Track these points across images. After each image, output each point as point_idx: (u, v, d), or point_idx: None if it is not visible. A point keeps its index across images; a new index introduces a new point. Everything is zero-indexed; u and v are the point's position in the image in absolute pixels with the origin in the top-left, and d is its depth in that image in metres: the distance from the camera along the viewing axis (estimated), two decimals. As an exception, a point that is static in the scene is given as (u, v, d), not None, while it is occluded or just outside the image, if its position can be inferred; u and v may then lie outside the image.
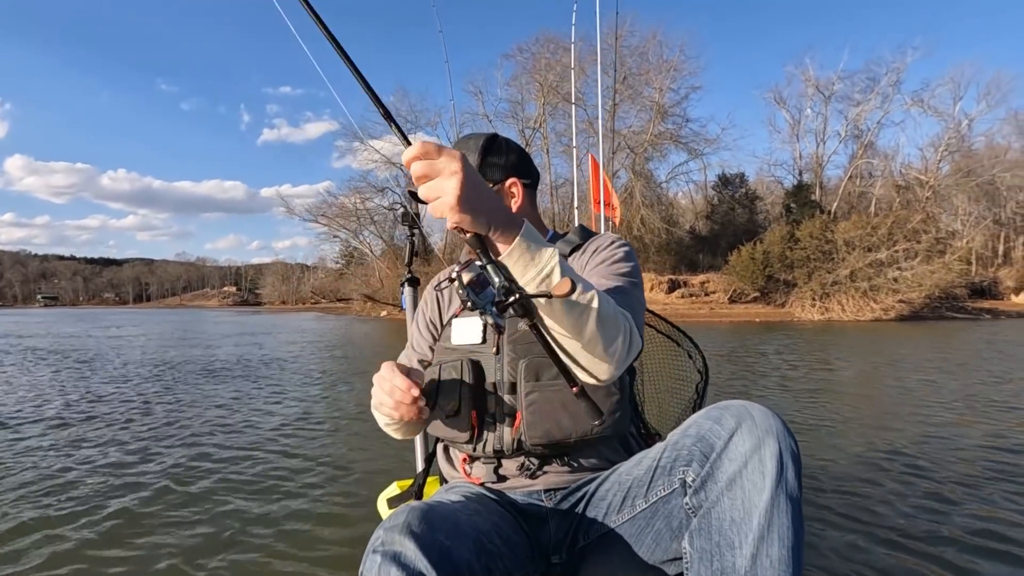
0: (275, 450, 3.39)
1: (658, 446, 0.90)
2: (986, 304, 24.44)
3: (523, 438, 1.00)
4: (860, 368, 7.22)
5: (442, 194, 0.66)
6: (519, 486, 1.03)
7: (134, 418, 4.32)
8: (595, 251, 1.13)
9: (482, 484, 1.05)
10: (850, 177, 30.45)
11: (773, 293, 23.30)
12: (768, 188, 34.35)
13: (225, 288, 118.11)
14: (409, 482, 1.24)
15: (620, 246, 1.12)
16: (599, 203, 5.00)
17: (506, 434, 1.02)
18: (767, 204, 32.87)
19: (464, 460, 1.09)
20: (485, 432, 1.03)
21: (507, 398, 1.03)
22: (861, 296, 20.45)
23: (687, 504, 0.80)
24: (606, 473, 1.00)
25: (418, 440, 1.45)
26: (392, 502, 1.23)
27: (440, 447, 1.18)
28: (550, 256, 0.72)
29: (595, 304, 0.76)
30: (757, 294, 23.75)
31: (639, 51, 27.32)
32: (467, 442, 1.04)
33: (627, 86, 27.50)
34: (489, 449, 1.03)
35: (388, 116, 0.73)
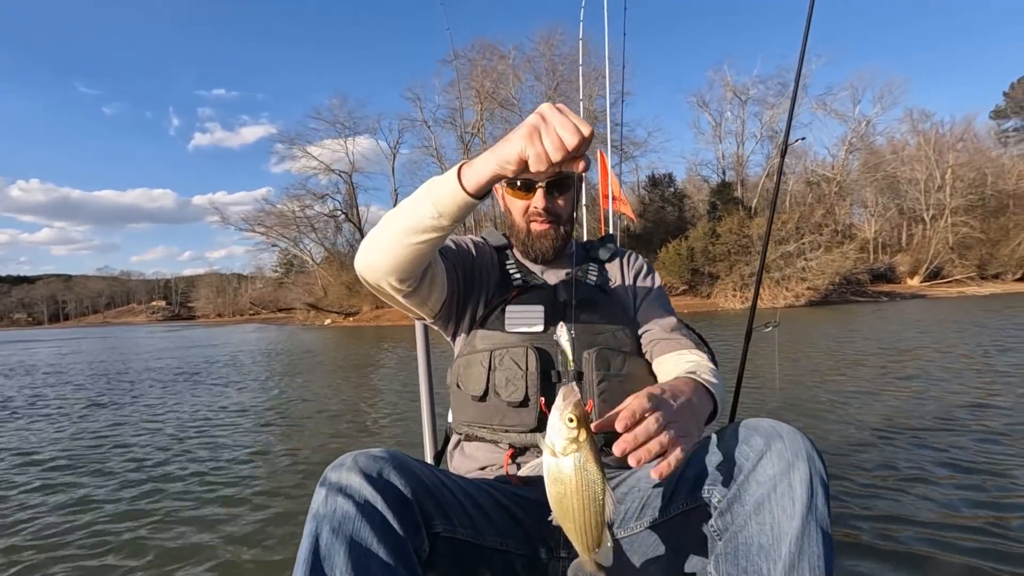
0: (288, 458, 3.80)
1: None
2: (885, 287, 27.19)
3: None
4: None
5: (682, 451, 0.69)
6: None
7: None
8: (638, 274, 1.26)
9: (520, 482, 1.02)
10: (768, 175, 32.85)
11: (699, 285, 25.04)
12: (696, 186, 36.46)
13: (154, 302, 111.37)
14: None
15: (655, 274, 1.28)
16: (607, 198, 5.19)
17: None
18: (695, 202, 34.89)
19: (510, 454, 1.04)
20: None
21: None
22: (775, 285, 22.41)
23: (712, 526, 0.78)
24: (623, 475, 0.99)
25: (427, 439, 1.44)
26: None
27: (455, 443, 1.15)
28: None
29: (718, 392, 0.92)
30: (685, 287, 25.43)
31: (570, 59, 28.55)
32: (532, 430, 1.02)
33: (559, 93, 28.65)
34: None
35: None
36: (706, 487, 0.80)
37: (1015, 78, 42.51)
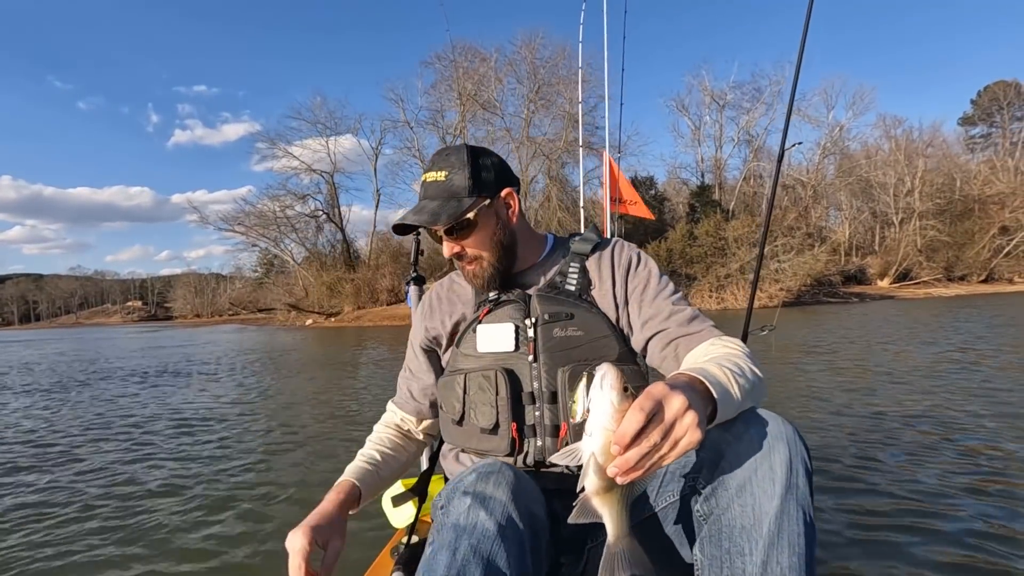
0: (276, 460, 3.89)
1: None
2: (856, 289, 27.95)
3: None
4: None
5: (686, 436, 0.63)
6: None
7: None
8: (628, 267, 1.10)
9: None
10: (745, 178, 33.54)
11: (677, 287, 25.46)
12: (676, 189, 37.01)
13: (129, 303, 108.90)
14: (414, 480, 1.26)
15: (648, 263, 1.12)
16: (614, 200, 5.18)
17: (550, 444, 0.99)
18: (675, 204, 35.43)
19: None
20: (527, 443, 1.00)
21: (548, 408, 1.00)
22: (749, 286, 22.96)
23: (698, 511, 0.79)
24: None
25: None
26: (396, 500, 1.22)
27: (447, 448, 1.16)
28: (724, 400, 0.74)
29: (743, 382, 0.79)
30: (664, 288, 25.86)
31: (551, 63, 28.87)
32: (507, 455, 1.01)
33: (540, 96, 28.94)
34: (530, 460, 1.00)
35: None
36: (691, 475, 0.82)
37: (982, 86, 44.10)
